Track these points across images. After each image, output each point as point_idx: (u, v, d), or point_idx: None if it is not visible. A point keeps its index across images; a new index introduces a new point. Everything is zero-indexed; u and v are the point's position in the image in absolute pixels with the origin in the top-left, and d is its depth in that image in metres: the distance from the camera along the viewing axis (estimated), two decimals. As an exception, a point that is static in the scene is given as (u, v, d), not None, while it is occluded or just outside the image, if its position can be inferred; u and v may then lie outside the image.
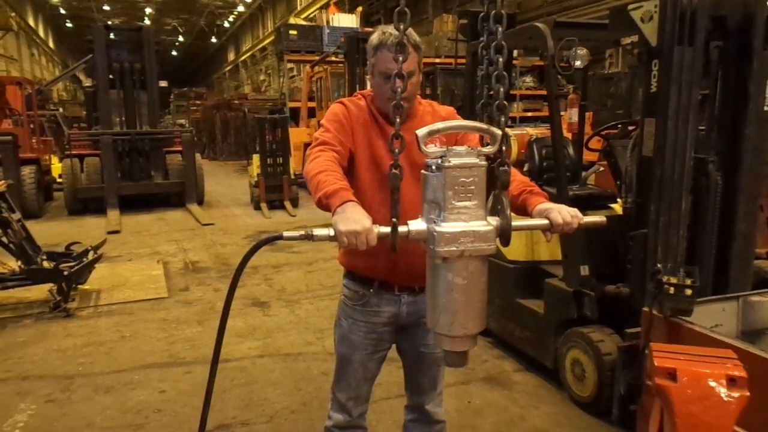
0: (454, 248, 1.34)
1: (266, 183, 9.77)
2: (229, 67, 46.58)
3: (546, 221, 1.54)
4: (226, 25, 40.81)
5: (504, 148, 1.44)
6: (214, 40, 43.53)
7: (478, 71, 1.56)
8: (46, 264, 4.87)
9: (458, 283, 1.37)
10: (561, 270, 3.24)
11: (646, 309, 2.23)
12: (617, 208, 3.33)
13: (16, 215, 4.94)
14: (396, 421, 2.76)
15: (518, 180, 1.69)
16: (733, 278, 2.72)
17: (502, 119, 1.46)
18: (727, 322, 2.35)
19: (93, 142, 10.24)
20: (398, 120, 1.45)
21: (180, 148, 10.59)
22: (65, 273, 4.74)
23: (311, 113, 13.10)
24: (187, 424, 3.00)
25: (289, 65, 16.39)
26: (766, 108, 2.68)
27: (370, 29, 10.45)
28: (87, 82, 20.27)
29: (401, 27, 1.43)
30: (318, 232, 1.41)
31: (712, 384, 1.45)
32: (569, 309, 3.13)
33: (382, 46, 1.73)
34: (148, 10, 35.13)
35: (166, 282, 5.64)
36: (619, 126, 3.79)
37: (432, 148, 1.40)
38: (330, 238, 1.40)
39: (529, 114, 13.14)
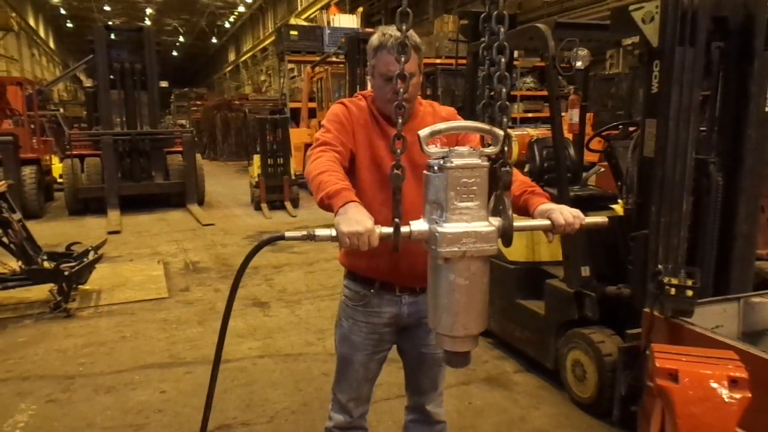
0: (456, 249, 1.34)
1: (267, 183, 9.77)
2: (229, 68, 46.59)
3: (548, 222, 1.54)
4: (227, 25, 40.81)
5: (506, 148, 1.44)
6: (214, 40, 43.54)
7: (479, 72, 1.56)
8: (46, 264, 4.87)
9: (460, 284, 1.37)
10: (562, 271, 3.24)
11: (647, 310, 2.23)
12: (618, 209, 3.33)
13: (17, 215, 4.94)
14: (396, 421, 2.76)
15: (520, 180, 1.69)
16: (734, 279, 2.71)
17: (505, 120, 1.45)
18: (728, 323, 2.36)
19: (94, 142, 10.23)
20: (400, 121, 1.45)
21: (180, 149, 10.59)
22: (66, 273, 4.75)
23: (312, 114, 13.10)
24: (188, 425, 3.00)
25: (290, 66, 16.37)
26: (767, 108, 2.68)
27: (370, 30, 10.45)
28: (87, 83, 20.32)
29: (404, 28, 1.42)
30: (320, 232, 1.41)
31: (714, 385, 1.45)
32: (570, 310, 3.12)
33: (382, 47, 1.73)
34: (148, 11, 35.14)
35: (167, 282, 5.64)
36: (620, 127, 3.78)
37: (433, 149, 1.40)
38: (332, 239, 1.40)
39: (530, 115, 13.16)
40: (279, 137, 9.97)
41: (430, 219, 1.40)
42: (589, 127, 5.23)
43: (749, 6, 2.62)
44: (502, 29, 1.44)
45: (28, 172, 9.46)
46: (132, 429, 3.00)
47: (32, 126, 11.11)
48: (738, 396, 1.43)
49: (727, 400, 1.43)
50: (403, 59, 1.45)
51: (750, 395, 1.43)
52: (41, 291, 5.00)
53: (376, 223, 1.42)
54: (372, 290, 1.87)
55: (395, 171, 1.44)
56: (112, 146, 9.74)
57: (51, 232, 7.94)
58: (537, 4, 16.05)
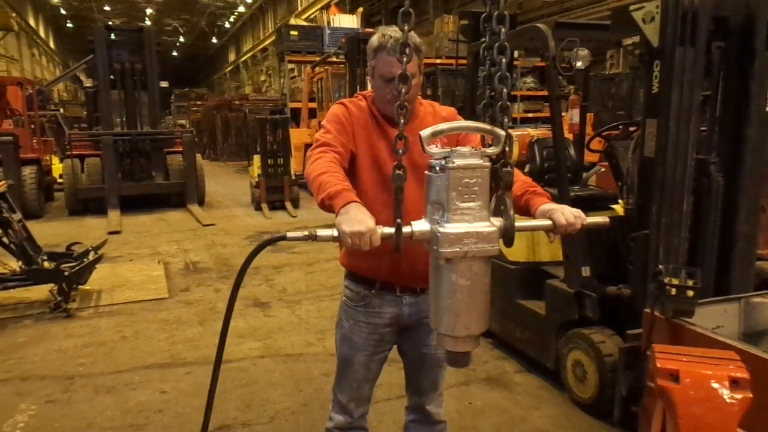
0: (458, 249, 1.34)
1: (267, 184, 9.77)
2: (229, 68, 46.60)
3: (549, 222, 1.54)
4: (227, 25, 40.83)
5: (507, 149, 1.44)
6: (214, 40, 43.56)
7: (479, 72, 1.56)
8: (46, 264, 4.87)
9: (462, 284, 1.37)
10: (562, 271, 3.24)
11: (647, 310, 2.23)
12: (618, 209, 3.33)
13: (17, 215, 4.93)
14: (397, 421, 2.76)
15: (521, 180, 1.69)
16: (735, 279, 2.71)
17: (506, 120, 1.45)
18: (728, 323, 2.35)
19: (94, 142, 10.23)
20: (402, 121, 1.45)
21: (181, 149, 10.59)
22: (66, 273, 4.75)
23: (312, 114, 13.11)
24: (188, 425, 3.00)
25: (290, 66, 16.38)
26: (767, 109, 2.68)
27: (370, 30, 10.45)
28: (88, 83, 20.29)
29: (405, 28, 1.42)
30: (321, 232, 1.41)
31: (715, 385, 1.44)
32: (570, 310, 3.12)
33: (381, 49, 1.73)
34: (148, 11, 35.16)
35: (167, 282, 5.64)
36: (621, 127, 3.78)
37: (434, 149, 1.40)
38: (333, 239, 1.40)
39: (530, 115, 13.18)
40: (279, 137, 9.97)
41: (431, 219, 1.40)
42: (590, 127, 5.23)
43: (750, 6, 2.62)
44: (503, 29, 1.44)
45: (28, 172, 9.47)
46: (132, 429, 3.00)
47: (32, 126, 11.12)
48: (739, 396, 1.42)
49: (728, 400, 1.43)
50: (404, 59, 1.44)
51: (751, 396, 1.43)
52: (41, 291, 5.00)
53: (377, 223, 1.42)
54: (373, 290, 1.87)
55: (397, 171, 1.44)
56: (113, 146, 9.74)
57: (51, 232, 7.94)
58: (537, 4, 16.06)
